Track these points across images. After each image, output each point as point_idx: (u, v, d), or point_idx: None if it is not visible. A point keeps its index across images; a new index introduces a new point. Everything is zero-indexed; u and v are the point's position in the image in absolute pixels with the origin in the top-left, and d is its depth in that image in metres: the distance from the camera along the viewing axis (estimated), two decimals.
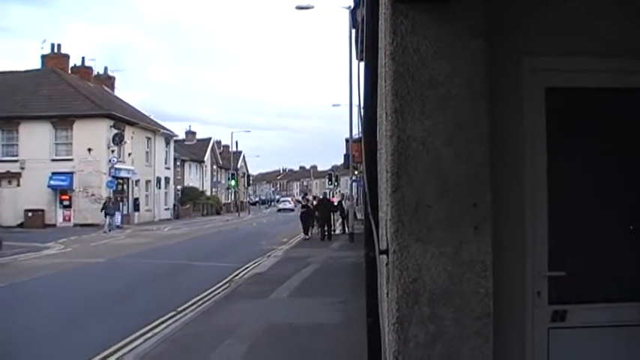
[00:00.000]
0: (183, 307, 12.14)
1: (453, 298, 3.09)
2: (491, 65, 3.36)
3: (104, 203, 38.12)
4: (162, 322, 10.83)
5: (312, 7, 28.52)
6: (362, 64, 3.88)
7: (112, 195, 41.39)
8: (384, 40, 3.27)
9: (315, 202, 32.21)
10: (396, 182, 3.13)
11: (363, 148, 3.35)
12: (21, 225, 39.01)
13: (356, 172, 36.73)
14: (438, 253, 3.10)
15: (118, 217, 41.38)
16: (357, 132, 28.74)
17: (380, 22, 3.45)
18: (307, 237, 29.40)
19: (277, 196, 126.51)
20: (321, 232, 29.55)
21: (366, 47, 3.44)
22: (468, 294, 3.10)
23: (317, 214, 30.19)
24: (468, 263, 3.10)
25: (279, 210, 78.39)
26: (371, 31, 3.47)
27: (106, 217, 37.10)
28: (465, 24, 3.18)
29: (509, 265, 3.51)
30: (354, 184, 39.89)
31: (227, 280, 16.03)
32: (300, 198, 35.40)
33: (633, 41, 3.59)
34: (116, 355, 8.79)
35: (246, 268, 18.41)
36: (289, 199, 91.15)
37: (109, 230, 35.90)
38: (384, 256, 3.23)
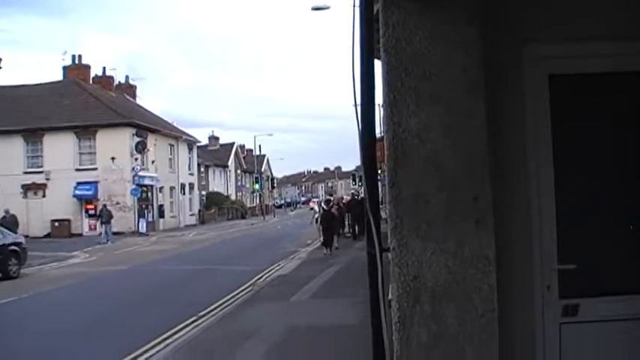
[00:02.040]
0: (205, 312, 12.14)
1: (455, 296, 2.99)
2: (492, 54, 3.26)
3: (100, 211, 37.29)
4: (185, 327, 10.87)
5: (327, 8, 28.37)
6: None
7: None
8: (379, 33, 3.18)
9: (341, 204, 31.25)
10: (393, 177, 3.04)
11: (360, 144, 3.25)
12: (48, 235, 39.35)
13: (379, 172, 36.43)
14: (439, 250, 2.99)
15: (143, 224, 41.56)
16: (379, 131, 28.41)
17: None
18: (328, 252, 22.26)
19: (303, 198, 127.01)
20: (352, 231, 28.61)
21: (361, 41, 3.34)
22: (471, 290, 2.99)
23: (345, 219, 29.29)
24: (469, 259, 2.99)
25: (311, 209, 79.70)
26: (365, 24, 3.37)
27: (101, 225, 36.22)
28: (459, 12, 3.08)
29: (517, 259, 3.39)
30: (378, 183, 39.67)
31: (250, 283, 16.03)
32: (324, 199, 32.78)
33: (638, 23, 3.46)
34: None
35: (270, 271, 18.41)
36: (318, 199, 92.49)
37: (107, 241, 34.06)
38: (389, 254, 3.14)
